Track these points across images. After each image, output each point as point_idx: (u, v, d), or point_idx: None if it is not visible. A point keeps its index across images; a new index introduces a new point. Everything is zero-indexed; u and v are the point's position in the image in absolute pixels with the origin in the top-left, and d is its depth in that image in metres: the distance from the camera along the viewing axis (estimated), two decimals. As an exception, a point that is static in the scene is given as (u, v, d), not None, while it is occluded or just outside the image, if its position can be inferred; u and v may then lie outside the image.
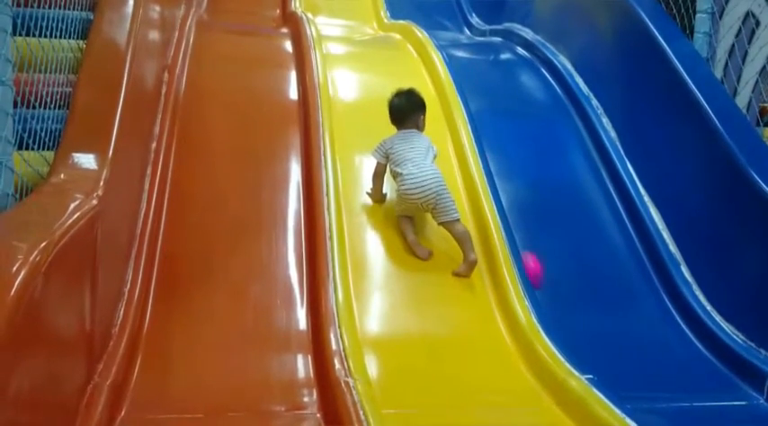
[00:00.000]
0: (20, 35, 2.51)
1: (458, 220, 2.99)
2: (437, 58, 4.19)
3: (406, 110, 3.18)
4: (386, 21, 5.36)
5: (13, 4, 2.26)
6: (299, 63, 4.10)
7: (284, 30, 4.79)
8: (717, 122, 3.00)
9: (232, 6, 5.20)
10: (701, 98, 3.10)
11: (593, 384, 2.38)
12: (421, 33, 4.58)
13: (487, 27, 5.26)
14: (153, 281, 2.72)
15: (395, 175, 3.07)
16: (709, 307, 2.92)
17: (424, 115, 3.21)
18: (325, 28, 4.82)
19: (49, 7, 2.84)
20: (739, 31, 3.58)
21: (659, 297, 3.09)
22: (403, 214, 3.06)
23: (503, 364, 2.64)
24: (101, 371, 2.20)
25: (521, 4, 4.89)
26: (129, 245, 2.73)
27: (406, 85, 3.28)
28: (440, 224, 3.01)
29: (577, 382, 2.41)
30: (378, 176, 3.16)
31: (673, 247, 3.16)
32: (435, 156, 3.12)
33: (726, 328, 2.84)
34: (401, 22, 5.07)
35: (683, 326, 2.97)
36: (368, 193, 3.22)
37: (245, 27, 4.91)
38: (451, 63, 4.15)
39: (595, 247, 3.25)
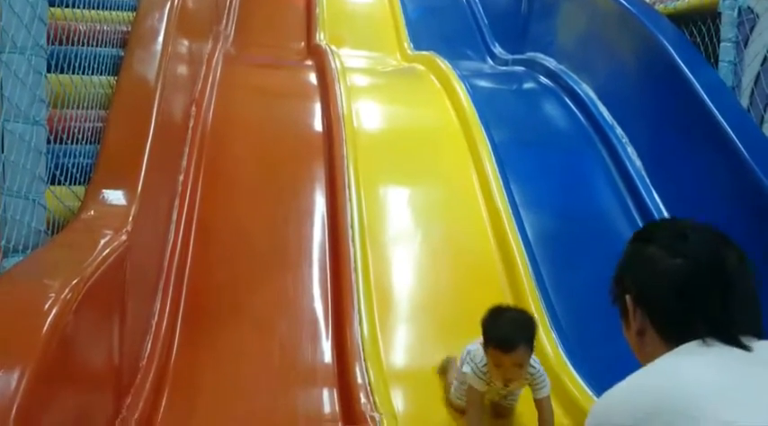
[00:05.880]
0: (52, 72, 2.57)
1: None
2: (460, 89, 4.22)
3: None
4: (409, 52, 5.42)
5: (47, 42, 2.32)
6: (323, 95, 4.14)
7: (309, 62, 4.86)
8: (744, 151, 2.96)
9: (258, 40, 5.29)
10: (726, 127, 3.06)
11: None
12: (444, 64, 4.62)
13: (510, 56, 5.28)
14: (180, 314, 2.75)
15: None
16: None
17: None
18: (350, 60, 4.88)
19: (81, 45, 2.92)
20: (765, 59, 3.55)
21: (688, 329, 3.03)
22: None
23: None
24: (128, 405, 2.21)
25: (543, 34, 4.90)
26: (157, 278, 2.76)
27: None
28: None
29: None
30: None
31: (701, 278, 3.10)
32: None
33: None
34: (424, 52, 5.12)
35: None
36: (455, 400, 2.52)
37: (271, 60, 5.00)
38: (475, 93, 4.17)
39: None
